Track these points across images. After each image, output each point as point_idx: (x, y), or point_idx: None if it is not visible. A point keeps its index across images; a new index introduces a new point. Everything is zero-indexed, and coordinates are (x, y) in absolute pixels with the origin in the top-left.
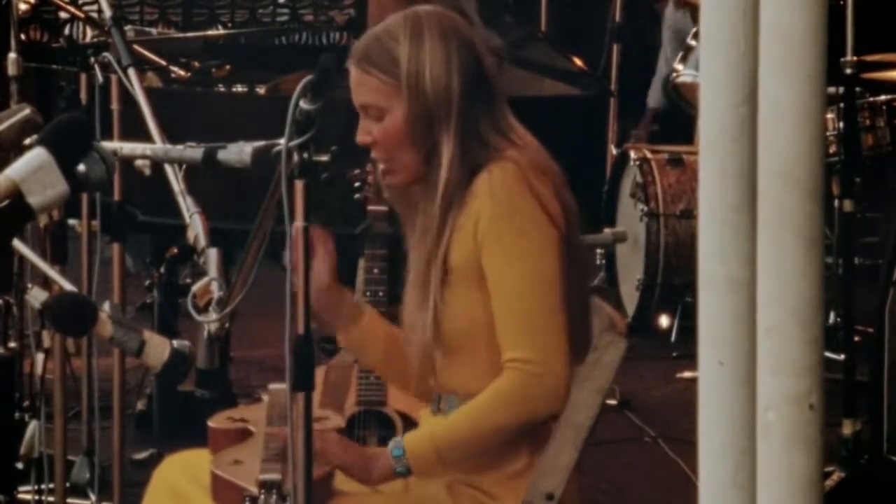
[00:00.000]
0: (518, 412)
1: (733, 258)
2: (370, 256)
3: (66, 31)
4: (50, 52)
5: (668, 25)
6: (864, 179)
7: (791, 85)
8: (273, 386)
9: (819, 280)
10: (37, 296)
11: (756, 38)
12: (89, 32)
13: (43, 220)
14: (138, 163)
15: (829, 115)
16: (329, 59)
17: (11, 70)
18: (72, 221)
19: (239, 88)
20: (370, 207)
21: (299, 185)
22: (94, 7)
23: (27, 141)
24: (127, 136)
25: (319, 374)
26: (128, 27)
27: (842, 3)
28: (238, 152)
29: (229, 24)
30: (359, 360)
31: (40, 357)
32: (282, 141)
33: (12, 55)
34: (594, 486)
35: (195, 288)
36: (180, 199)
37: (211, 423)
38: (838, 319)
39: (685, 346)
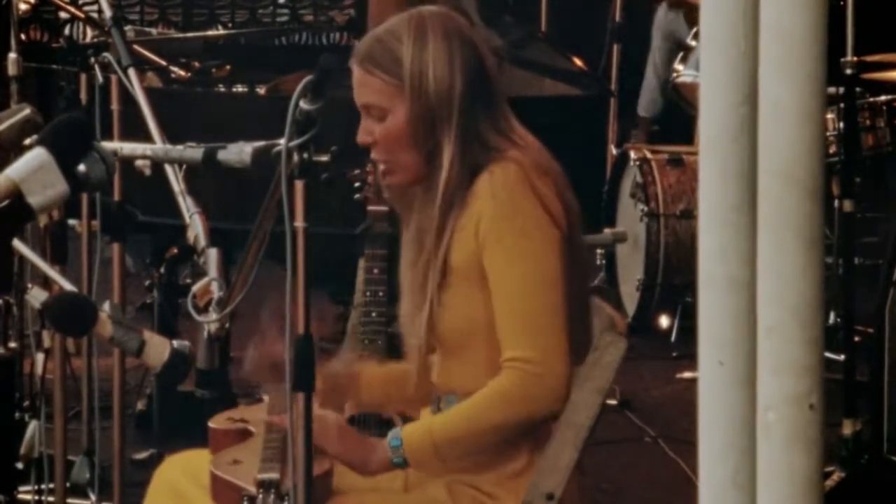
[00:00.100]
0: (517, 411)
1: (733, 258)
2: (370, 256)
3: (66, 31)
4: (50, 52)
5: (660, 27)
6: (864, 179)
7: (791, 85)
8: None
9: (819, 280)
10: (37, 296)
11: (756, 38)
12: (89, 32)
13: (43, 220)
14: (138, 163)
15: (830, 116)
16: (329, 60)
17: (11, 70)
18: (72, 221)
19: (239, 88)
20: (370, 207)
21: (299, 185)
22: (94, 7)
23: (27, 141)
24: (127, 136)
25: (319, 374)
26: (128, 27)
27: (842, 3)
28: (238, 152)
29: (229, 25)
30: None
31: (40, 357)
32: (282, 141)
33: (12, 55)
34: (594, 486)
35: (195, 288)
36: (180, 199)
37: (211, 424)
38: (838, 319)
39: (685, 346)
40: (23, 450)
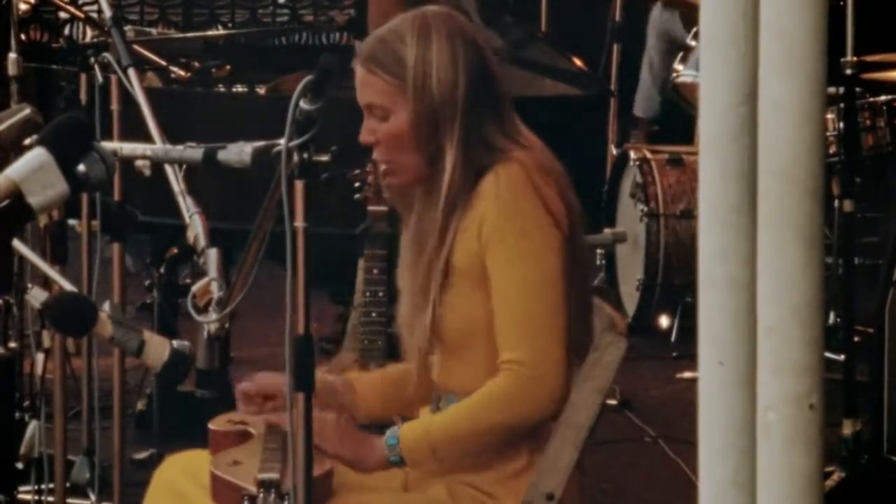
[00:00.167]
0: (513, 413)
1: (733, 258)
2: (370, 256)
3: (66, 31)
4: (50, 52)
5: (655, 26)
6: (864, 179)
7: (791, 85)
8: None
9: (819, 280)
10: (37, 296)
11: (756, 38)
12: (89, 32)
13: (43, 220)
14: (138, 163)
15: (830, 116)
16: (329, 60)
17: (11, 70)
18: (72, 221)
19: (239, 88)
20: (370, 207)
21: (299, 185)
22: (94, 7)
23: (27, 141)
24: (127, 136)
25: (319, 374)
26: (128, 27)
27: (842, 3)
28: (238, 152)
29: (229, 25)
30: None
31: (40, 357)
32: (282, 141)
33: (12, 55)
34: (594, 486)
35: (195, 288)
36: (180, 199)
37: (211, 426)
38: (838, 319)
39: (685, 346)
40: (23, 450)
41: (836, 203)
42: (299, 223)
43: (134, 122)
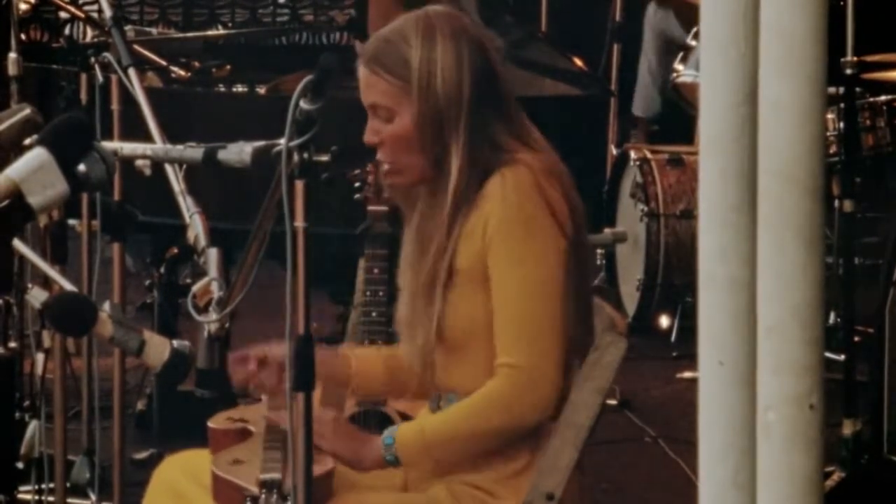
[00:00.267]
0: (507, 417)
1: (733, 258)
2: (370, 256)
3: (67, 31)
4: (50, 52)
5: (650, 26)
6: (864, 179)
7: (791, 85)
8: None
9: (819, 280)
10: (37, 296)
11: (756, 39)
12: (89, 32)
13: (43, 220)
14: (138, 163)
15: (830, 116)
16: (329, 59)
17: (11, 70)
18: (72, 221)
19: (239, 88)
20: (370, 207)
21: (299, 185)
22: (95, 7)
23: (27, 141)
24: (127, 136)
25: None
26: (128, 27)
27: (842, 3)
28: (238, 152)
29: (229, 24)
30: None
31: (40, 357)
32: (282, 141)
33: (12, 55)
34: (594, 486)
35: (195, 288)
36: (180, 199)
37: (211, 424)
38: (838, 319)
39: (685, 346)
40: (23, 450)
41: (836, 203)
42: (299, 223)
43: (134, 122)
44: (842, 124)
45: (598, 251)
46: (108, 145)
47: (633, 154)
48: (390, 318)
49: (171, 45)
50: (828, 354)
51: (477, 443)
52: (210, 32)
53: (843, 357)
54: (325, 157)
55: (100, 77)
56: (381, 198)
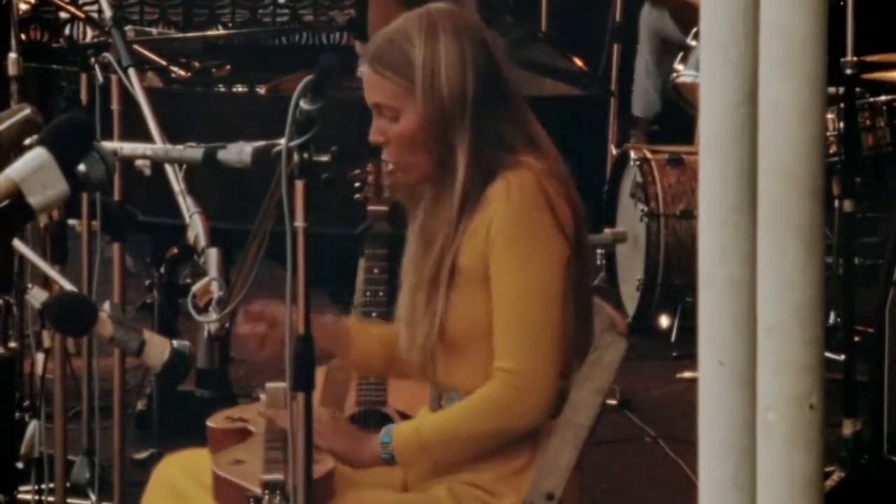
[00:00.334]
0: (501, 421)
1: (733, 258)
2: (370, 256)
3: (67, 31)
4: (50, 52)
5: (645, 26)
6: (864, 179)
7: (791, 85)
8: (270, 384)
9: (819, 280)
10: (37, 296)
11: (756, 39)
12: (89, 32)
13: (43, 220)
14: (138, 163)
15: (830, 116)
16: (329, 59)
17: (11, 70)
18: (72, 221)
19: (239, 88)
20: (370, 207)
21: (299, 185)
22: (95, 7)
23: (27, 141)
24: (127, 136)
25: (319, 374)
26: (128, 27)
27: (842, 3)
28: (238, 152)
29: (229, 24)
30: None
31: (40, 357)
32: (282, 141)
33: (12, 55)
34: (594, 486)
35: (195, 288)
36: (180, 199)
37: (210, 423)
38: (838, 319)
39: (685, 346)
40: (23, 450)
41: (836, 203)
42: (299, 223)
43: (134, 122)
44: (842, 124)
45: (598, 251)
46: (108, 145)
47: (633, 154)
48: (390, 318)
49: (171, 45)
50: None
51: (472, 444)
52: (210, 32)
53: (843, 357)
54: (325, 157)
55: (100, 77)
56: (381, 198)
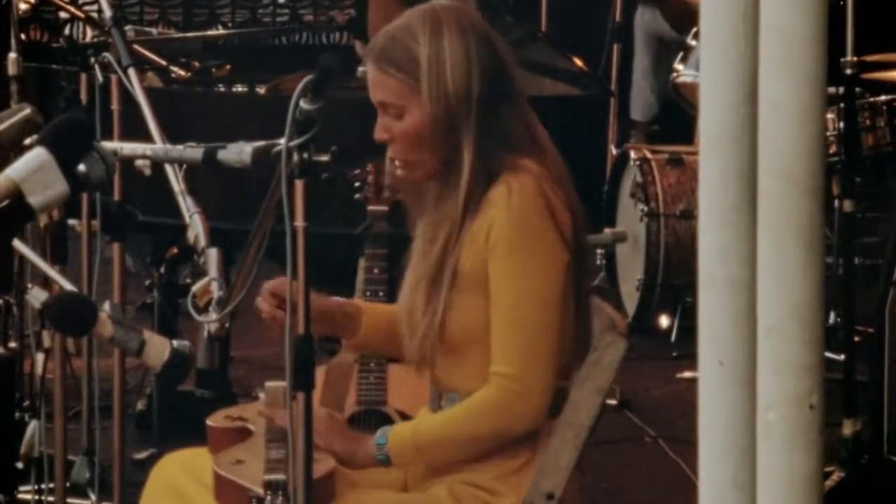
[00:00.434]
0: (496, 425)
1: (733, 258)
2: (370, 256)
3: (66, 31)
4: (50, 52)
5: (640, 29)
6: (864, 179)
7: (791, 85)
8: (269, 384)
9: (819, 280)
10: (37, 296)
11: (756, 39)
12: (89, 32)
13: (43, 220)
14: (138, 163)
15: (830, 115)
16: (329, 59)
17: (11, 70)
18: (72, 221)
19: (239, 88)
20: (370, 207)
21: (299, 185)
22: (94, 7)
23: (27, 141)
24: (127, 136)
25: (319, 374)
26: (128, 27)
27: (842, 3)
28: (238, 152)
29: (229, 24)
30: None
31: (40, 357)
32: (282, 141)
33: (12, 55)
34: (594, 486)
35: (195, 288)
36: (180, 199)
37: (209, 422)
38: (838, 319)
39: (685, 346)
40: (23, 450)
41: (836, 203)
42: (299, 223)
43: (134, 122)
44: (842, 124)
45: (598, 251)
46: (108, 145)
47: (633, 154)
48: None
49: (171, 45)
50: (828, 354)
51: (467, 448)
52: (210, 32)
53: (843, 357)
54: (325, 157)
55: (100, 77)
56: (381, 198)
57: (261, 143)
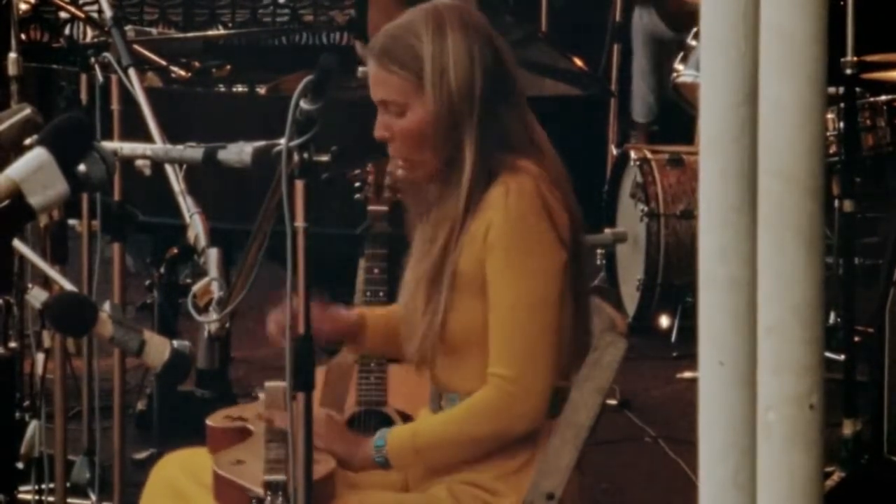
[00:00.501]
0: (494, 426)
1: (733, 258)
2: (370, 256)
3: (67, 31)
4: (50, 52)
5: (638, 31)
6: (864, 179)
7: (791, 85)
8: (269, 384)
9: (819, 280)
10: (37, 296)
11: (756, 39)
12: (89, 32)
13: (43, 220)
14: (138, 163)
15: (830, 115)
16: (329, 59)
17: (11, 70)
18: (72, 221)
19: (239, 88)
20: (370, 207)
21: (299, 185)
22: (95, 7)
23: (27, 141)
24: (127, 136)
25: (319, 374)
26: (128, 27)
27: (842, 3)
28: (238, 152)
29: (230, 25)
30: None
31: (40, 357)
32: (282, 141)
33: (12, 55)
34: (594, 486)
35: (195, 288)
36: (180, 199)
37: (209, 422)
38: (838, 319)
39: (685, 346)
40: (23, 450)
41: (836, 203)
42: (299, 223)
43: (134, 122)
44: (842, 124)
45: (598, 251)
46: (108, 145)
47: (633, 154)
48: None
49: (171, 45)
50: (828, 354)
51: (466, 449)
52: (210, 32)
53: (843, 357)
54: (325, 157)
55: (100, 77)
56: (381, 198)
57: (261, 143)
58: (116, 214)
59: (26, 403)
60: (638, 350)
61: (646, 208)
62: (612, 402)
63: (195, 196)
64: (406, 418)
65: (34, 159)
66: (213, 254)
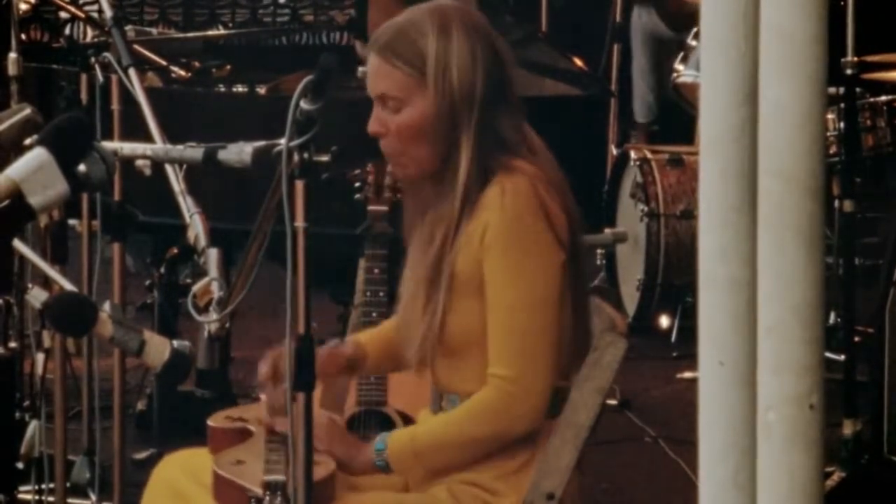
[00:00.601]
0: (494, 427)
1: (733, 258)
2: (370, 256)
3: (67, 31)
4: (50, 52)
5: (637, 32)
6: (864, 179)
7: (791, 85)
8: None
9: (819, 280)
10: (37, 296)
11: (756, 39)
12: (90, 32)
13: (43, 220)
14: (138, 163)
15: (830, 116)
16: (329, 59)
17: (11, 70)
18: (72, 221)
19: (239, 88)
20: (370, 207)
21: (299, 185)
22: (95, 7)
23: (27, 141)
24: (127, 136)
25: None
26: (128, 27)
27: (842, 3)
28: (238, 152)
29: (230, 24)
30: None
31: (40, 357)
32: (282, 141)
33: (12, 55)
34: (594, 486)
35: (195, 288)
36: (180, 199)
37: (210, 423)
38: (838, 319)
39: (685, 346)
40: (23, 450)
41: (836, 203)
42: (299, 223)
43: (134, 122)
44: (842, 124)
45: (598, 251)
46: (108, 145)
47: (633, 154)
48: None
49: (171, 45)
50: (828, 354)
51: (466, 451)
52: (210, 32)
53: (843, 357)
54: (325, 157)
55: (100, 77)
56: (381, 198)
57: (261, 143)
58: (116, 214)
59: (26, 403)
60: (638, 350)
61: (646, 208)
62: (612, 402)
63: (195, 196)
64: (406, 418)
65: (34, 159)
66: (213, 254)
